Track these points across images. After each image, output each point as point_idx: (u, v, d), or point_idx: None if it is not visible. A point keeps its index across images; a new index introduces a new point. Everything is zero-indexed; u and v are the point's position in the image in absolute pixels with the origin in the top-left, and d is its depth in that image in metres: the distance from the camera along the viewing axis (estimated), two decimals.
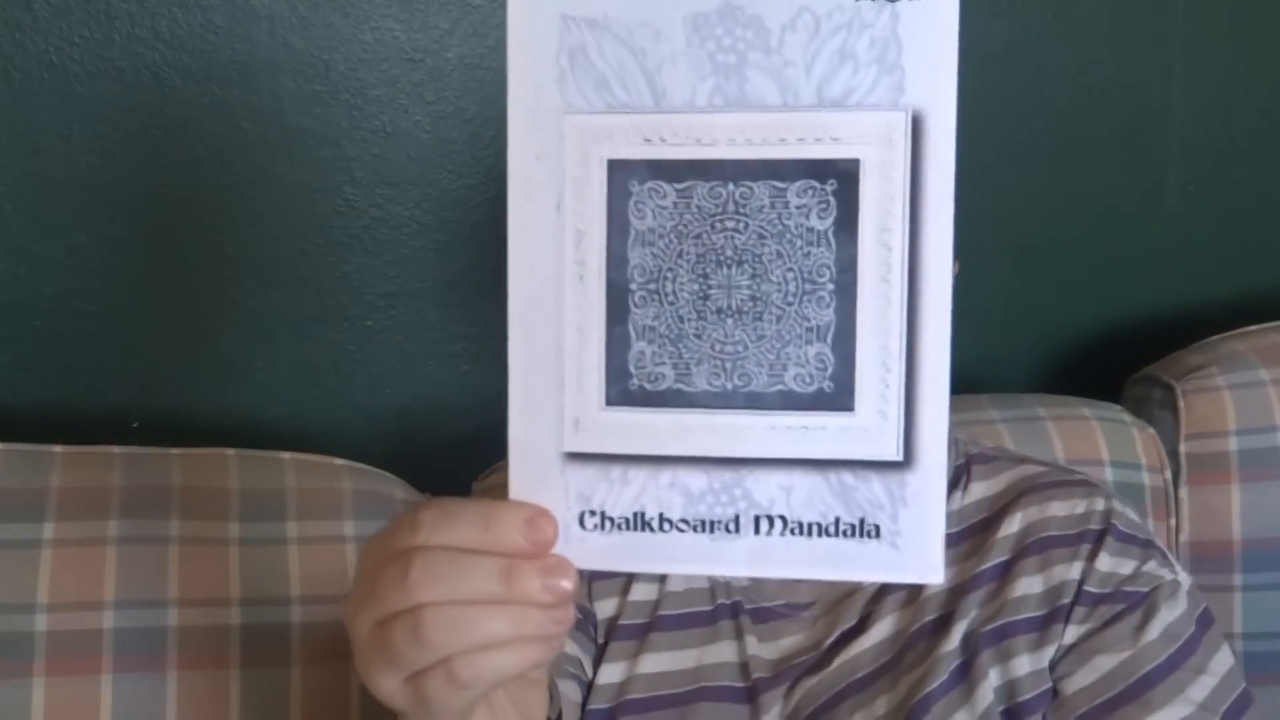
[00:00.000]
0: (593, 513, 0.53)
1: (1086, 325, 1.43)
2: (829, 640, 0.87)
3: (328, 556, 1.04)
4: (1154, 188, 1.41)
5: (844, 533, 0.52)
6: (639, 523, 0.53)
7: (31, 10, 1.12)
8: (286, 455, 1.10)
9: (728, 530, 0.53)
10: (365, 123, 1.20)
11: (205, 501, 1.04)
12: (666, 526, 0.53)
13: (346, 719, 1.02)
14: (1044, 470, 0.94)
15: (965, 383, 1.33)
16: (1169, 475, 1.22)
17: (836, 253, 0.51)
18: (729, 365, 0.52)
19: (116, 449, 1.08)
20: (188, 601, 1.00)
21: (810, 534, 0.52)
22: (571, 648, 0.85)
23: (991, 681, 0.83)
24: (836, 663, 0.86)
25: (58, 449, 1.06)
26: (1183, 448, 1.23)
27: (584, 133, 0.51)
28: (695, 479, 0.53)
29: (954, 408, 1.24)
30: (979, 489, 0.93)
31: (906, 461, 0.52)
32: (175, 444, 1.09)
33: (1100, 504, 0.90)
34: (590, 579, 0.91)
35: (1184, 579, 0.87)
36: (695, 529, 0.53)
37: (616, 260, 0.52)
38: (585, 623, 0.89)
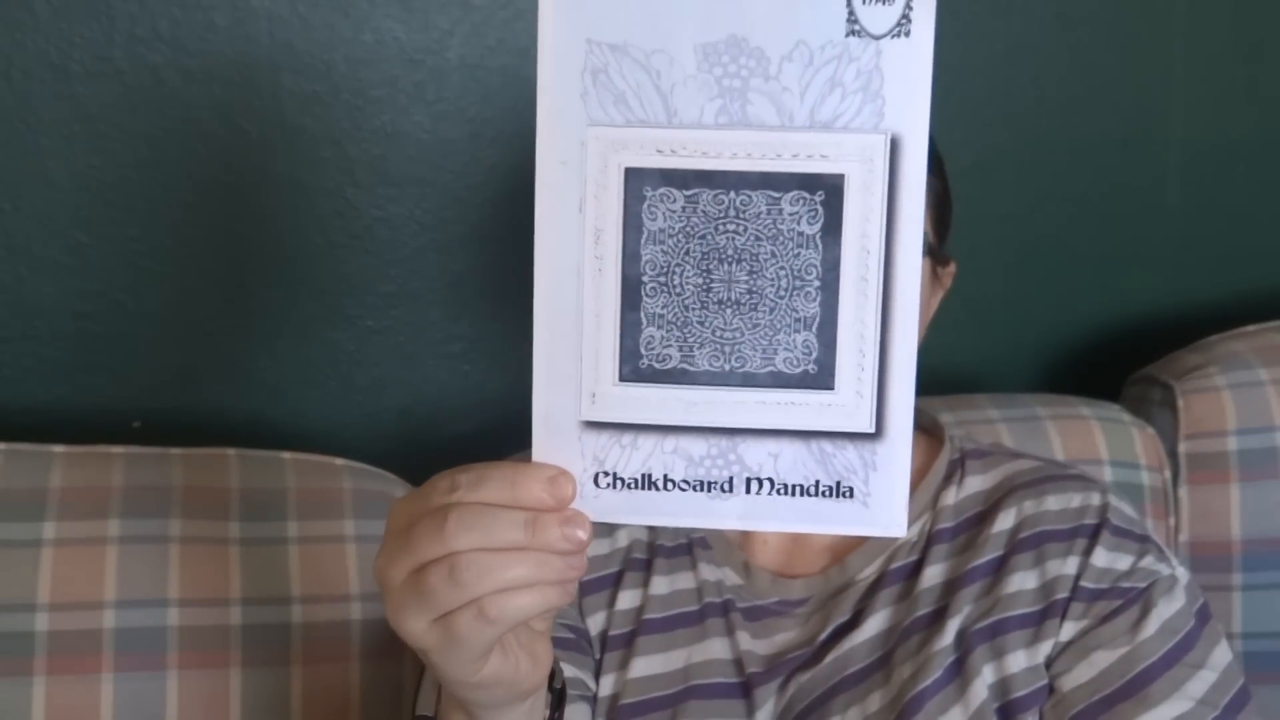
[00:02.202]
0: (606, 473, 0.60)
1: (1086, 325, 1.43)
2: (822, 636, 0.87)
3: (328, 556, 1.04)
4: (1154, 188, 1.41)
5: (823, 493, 0.60)
6: (646, 483, 0.60)
7: (31, 10, 1.12)
8: (286, 455, 1.10)
9: (723, 490, 0.60)
10: (365, 123, 1.20)
11: (205, 501, 1.04)
12: (670, 486, 0.60)
13: (346, 719, 1.03)
14: (1039, 465, 0.94)
15: (965, 383, 1.33)
16: (1168, 475, 1.23)
17: (823, 254, 0.59)
18: (727, 349, 0.59)
19: (116, 449, 1.08)
20: (188, 601, 1.00)
21: (794, 494, 0.60)
22: (571, 670, 0.86)
23: (985, 678, 0.83)
24: (830, 658, 0.86)
25: (58, 449, 1.06)
26: (1182, 447, 1.23)
27: (604, 143, 0.58)
28: (696, 446, 0.60)
29: (954, 407, 1.24)
30: (973, 484, 0.93)
31: (878, 433, 0.60)
32: (175, 444, 1.09)
33: (1096, 498, 0.90)
34: (580, 595, 0.91)
35: (1181, 573, 0.87)
36: (695, 488, 0.60)
37: (631, 256, 0.59)
38: (580, 641, 0.89)
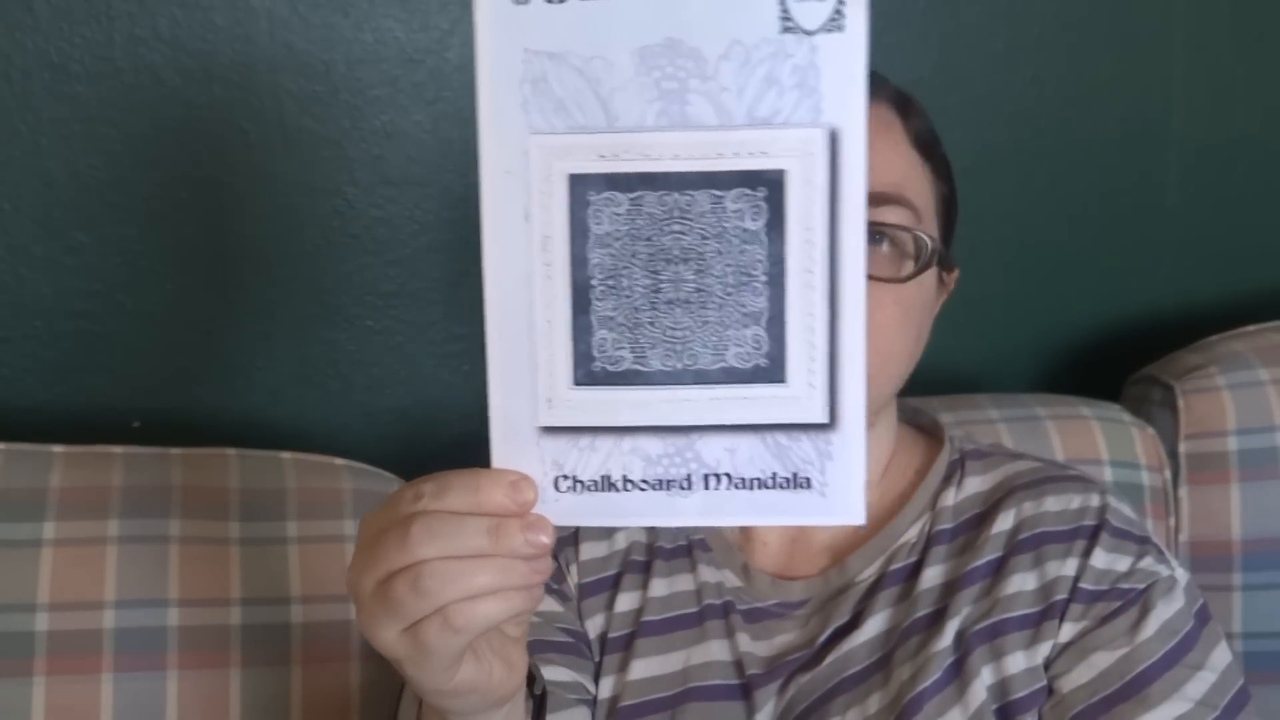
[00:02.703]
0: (565, 477, 0.61)
1: (1086, 325, 1.43)
2: (822, 637, 0.87)
3: (328, 556, 1.04)
4: (1154, 188, 1.41)
5: (780, 485, 0.61)
6: (605, 484, 0.61)
7: (31, 10, 1.12)
8: (286, 455, 1.10)
9: (681, 487, 0.61)
10: (365, 123, 1.20)
11: (205, 501, 1.04)
12: (629, 486, 0.61)
13: (346, 719, 1.03)
14: (1038, 466, 0.94)
15: (965, 383, 1.33)
16: (1168, 475, 1.22)
17: (768, 249, 0.59)
18: (679, 347, 0.60)
19: (116, 449, 1.08)
20: (188, 601, 1.00)
21: (752, 487, 0.61)
22: (569, 674, 0.86)
23: (984, 680, 0.83)
24: (829, 659, 0.86)
25: (58, 449, 1.06)
26: (1182, 447, 1.23)
27: (547, 151, 0.58)
28: (653, 445, 0.61)
29: (954, 407, 1.24)
30: (973, 485, 0.93)
31: (831, 423, 0.60)
32: (175, 444, 1.09)
33: (1095, 499, 0.90)
34: (579, 598, 0.91)
35: (1180, 574, 0.87)
36: (654, 487, 0.61)
37: (579, 260, 0.59)
38: (579, 644, 0.89)
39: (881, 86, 0.89)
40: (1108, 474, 1.19)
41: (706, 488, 0.61)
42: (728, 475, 0.61)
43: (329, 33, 1.18)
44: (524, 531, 0.58)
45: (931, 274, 0.87)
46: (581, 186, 0.59)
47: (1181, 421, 1.23)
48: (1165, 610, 0.84)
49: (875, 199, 0.84)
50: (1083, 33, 1.35)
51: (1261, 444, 1.21)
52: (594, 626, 0.90)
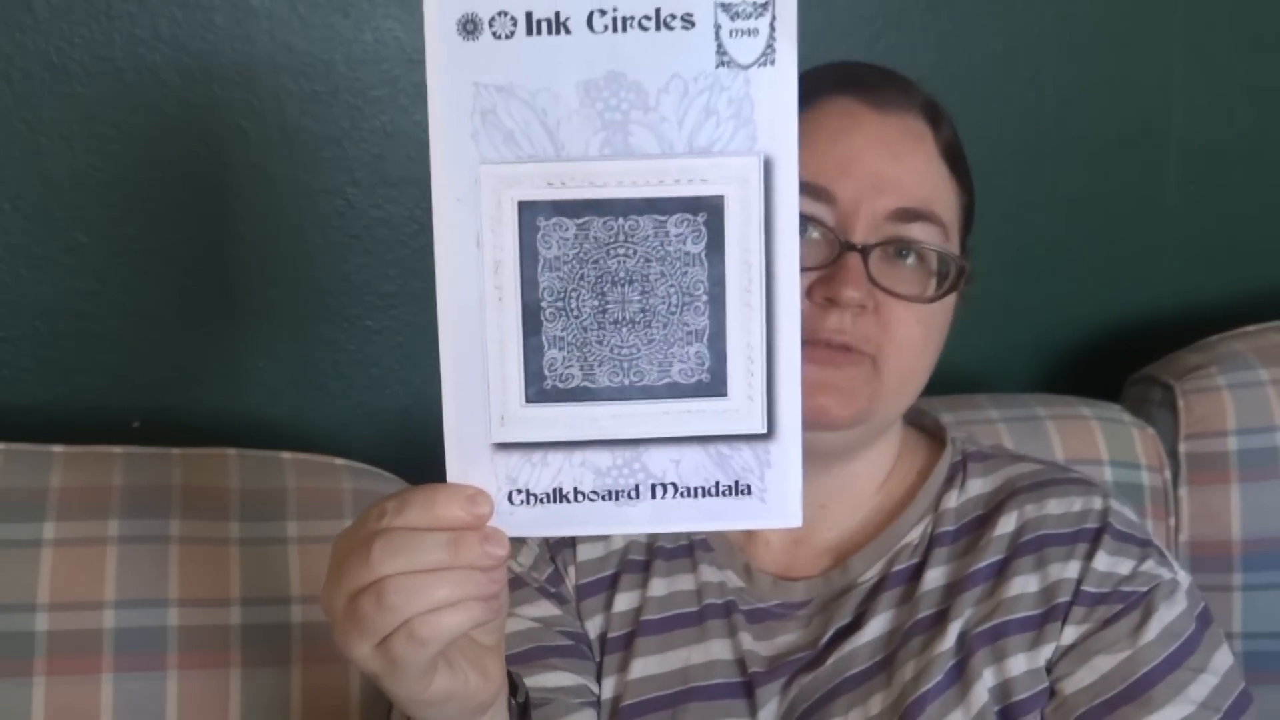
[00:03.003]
0: (519, 491, 0.63)
1: (1086, 325, 1.43)
2: (824, 638, 0.87)
3: (327, 557, 1.04)
4: (1154, 188, 1.41)
5: (723, 492, 0.64)
6: (558, 496, 0.63)
7: (31, 10, 1.12)
8: (286, 455, 1.10)
9: (630, 497, 0.64)
10: (365, 123, 1.20)
11: (205, 501, 1.04)
12: (580, 498, 0.64)
13: (346, 719, 1.03)
14: (1041, 468, 0.94)
15: (965, 383, 1.33)
16: (1168, 475, 1.22)
17: (709, 271, 0.62)
18: (626, 365, 0.62)
19: (116, 449, 1.08)
20: (188, 601, 1.00)
21: (696, 495, 0.64)
22: (572, 679, 0.86)
23: (986, 682, 0.83)
24: (832, 660, 0.86)
25: (58, 449, 1.06)
26: (1182, 447, 1.23)
27: (497, 179, 0.61)
28: (602, 458, 0.63)
29: (954, 408, 1.24)
30: (975, 486, 0.93)
31: (770, 433, 0.63)
32: (175, 444, 1.09)
33: (1098, 502, 0.89)
34: (577, 599, 0.91)
35: (1183, 577, 0.87)
36: (604, 498, 0.64)
37: (529, 283, 0.62)
38: (580, 646, 0.89)
39: (912, 94, 0.89)
40: (1108, 474, 1.19)
41: (654, 497, 0.63)
42: (674, 484, 0.63)
43: (329, 33, 1.18)
44: (481, 544, 0.60)
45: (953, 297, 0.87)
46: (531, 213, 0.61)
47: (1181, 421, 1.23)
48: (1168, 613, 0.84)
49: (906, 214, 0.84)
50: (1083, 33, 1.35)
51: (1261, 444, 1.21)
52: (594, 627, 0.90)
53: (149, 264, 1.19)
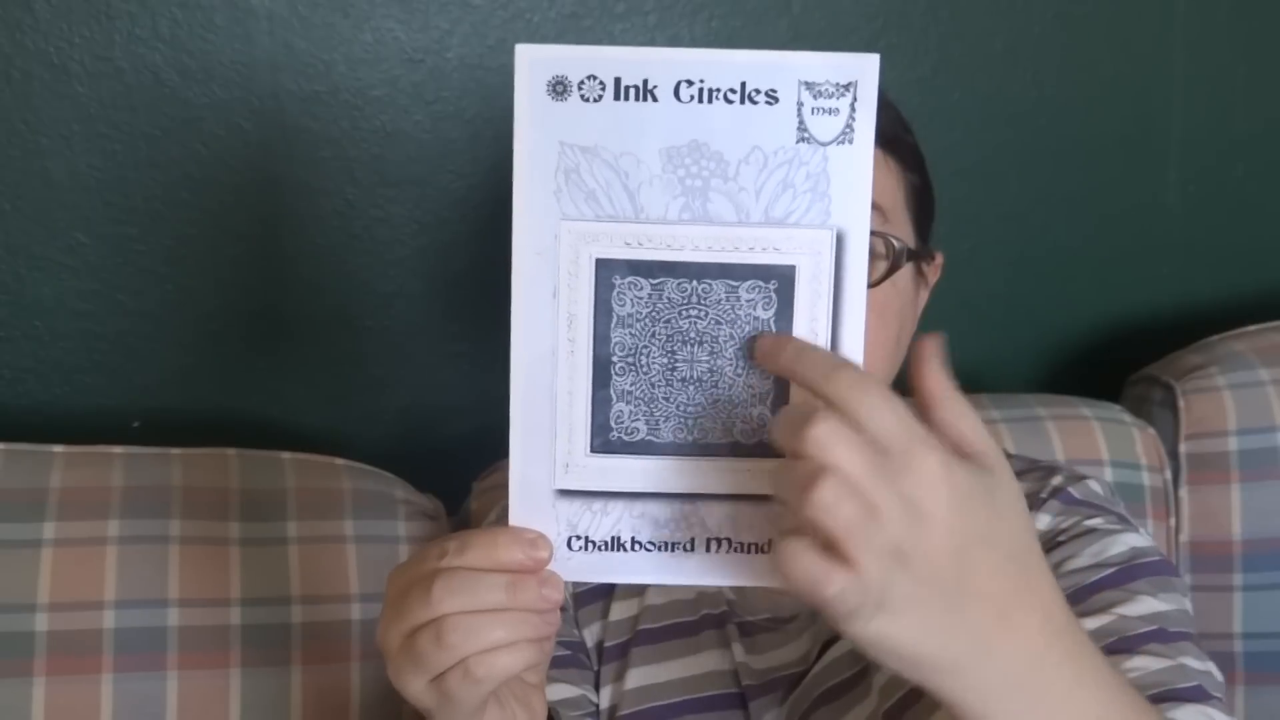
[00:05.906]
0: (578, 537, 0.65)
1: (1086, 325, 1.43)
2: (814, 650, 0.87)
3: (328, 556, 1.04)
4: (1154, 188, 1.41)
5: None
6: (615, 544, 0.65)
7: (31, 10, 1.12)
8: (286, 455, 1.10)
9: (685, 549, 0.65)
10: (365, 123, 1.20)
11: (205, 501, 1.04)
12: (636, 547, 0.65)
13: (346, 719, 1.03)
14: (1020, 467, 0.92)
15: (965, 383, 1.33)
16: (1169, 475, 1.22)
17: None
18: (690, 422, 0.64)
19: (116, 449, 1.08)
20: (188, 601, 1.00)
21: (749, 551, 0.64)
22: (572, 690, 0.86)
23: None
24: (818, 668, 0.86)
25: (58, 449, 1.06)
26: (1182, 448, 1.23)
27: (576, 236, 0.63)
28: (661, 510, 0.65)
29: None
30: None
31: None
32: (175, 444, 1.09)
33: (1056, 480, 0.87)
34: (575, 607, 0.91)
35: (1140, 539, 0.84)
36: (660, 549, 0.65)
37: (601, 338, 0.63)
38: (578, 656, 0.89)
39: None
40: (1108, 474, 1.19)
41: (708, 550, 0.65)
42: (728, 539, 0.64)
43: (329, 33, 1.18)
44: (539, 588, 0.61)
45: (906, 272, 0.84)
46: (607, 270, 0.63)
47: (1182, 421, 1.23)
48: (1128, 540, 0.82)
49: None
50: (1083, 33, 1.35)
51: (1262, 444, 1.21)
52: (591, 635, 0.90)
53: (149, 264, 1.19)
